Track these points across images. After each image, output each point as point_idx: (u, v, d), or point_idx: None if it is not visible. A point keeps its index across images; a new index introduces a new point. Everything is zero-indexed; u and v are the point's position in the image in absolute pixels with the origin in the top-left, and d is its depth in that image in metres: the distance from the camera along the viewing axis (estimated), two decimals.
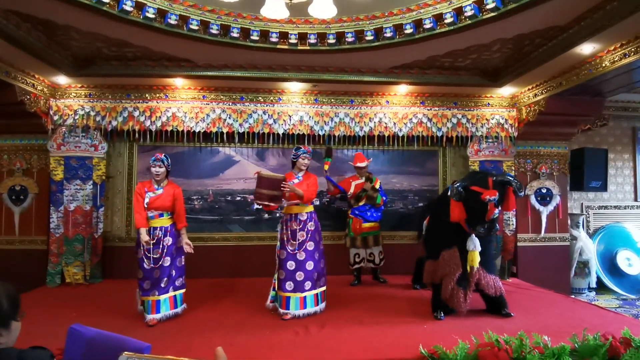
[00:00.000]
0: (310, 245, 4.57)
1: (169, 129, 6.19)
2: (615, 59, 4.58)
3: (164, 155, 4.44)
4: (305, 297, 4.45)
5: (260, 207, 4.61)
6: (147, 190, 4.36)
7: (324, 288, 4.67)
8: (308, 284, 4.48)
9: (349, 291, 5.56)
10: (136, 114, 6.14)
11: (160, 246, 4.31)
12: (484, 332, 3.37)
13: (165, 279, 4.31)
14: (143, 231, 4.27)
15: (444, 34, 4.53)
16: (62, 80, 5.86)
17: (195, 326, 4.10)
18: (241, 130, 6.30)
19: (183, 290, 4.53)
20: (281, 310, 4.43)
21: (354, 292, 5.50)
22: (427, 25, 4.45)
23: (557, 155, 6.83)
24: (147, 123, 6.14)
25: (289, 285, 4.43)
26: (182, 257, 4.53)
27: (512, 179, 4.16)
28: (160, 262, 4.29)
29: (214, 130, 6.25)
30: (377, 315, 4.44)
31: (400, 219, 6.54)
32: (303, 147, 4.76)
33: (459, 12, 4.27)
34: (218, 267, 6.43)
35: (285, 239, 4.57)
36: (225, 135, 6.31)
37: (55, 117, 6.01)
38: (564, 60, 4.97)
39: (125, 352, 1.43)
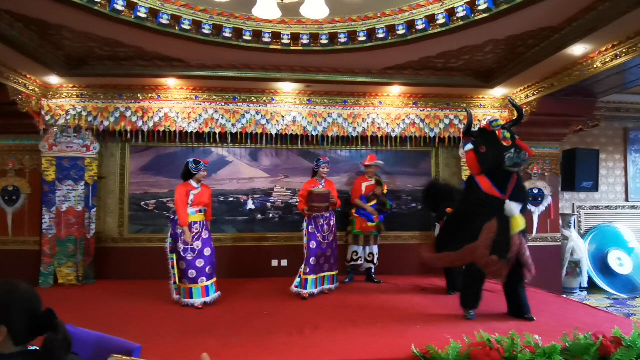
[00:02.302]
0: (332, 236, 5.55)
1: (161, 129, 6.17)
2: (607, 60, 4.61)
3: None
4: (334, 275, 5.55)
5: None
6: (189, 189, 4.95)
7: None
8: (335, 265, 5.58)
9: (342, 291, 5.57)
10: (128, 114, 6.11)
11: (200, 238, 4.91)
12: (475, 332, 3.39)
13: (209, 266, 4.93)
14: (186, 229, 4.82)
15: (436, 35, 4.55)
16: (53, 80, 5.82)
17: (189, 327, 4.09)
18: (234, 131, 6.29)
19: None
20: (328, 286, 5.51)
21: (347, 293, 5.50)
22: (420, 26, 4.47)
23: (549, 155, 6.86)
24: (139, 123, 6.12)
25: (326, 266, 5.44)
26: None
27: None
28: (201, 252, 4.89)
29: (207, 130, 6.24)
30: (370, 316, 4.44)
31: (394, 219, 6.55)
32: (322, 158, 5.61)
33: (451, 12, 4.29)
34: None
35: (314, 232, 5.40)
36: (217, 136, 6.31)
37: (47, 117, 5.97)
38: (556, 61, 5.01)
39: (113, 354, 1.41)
